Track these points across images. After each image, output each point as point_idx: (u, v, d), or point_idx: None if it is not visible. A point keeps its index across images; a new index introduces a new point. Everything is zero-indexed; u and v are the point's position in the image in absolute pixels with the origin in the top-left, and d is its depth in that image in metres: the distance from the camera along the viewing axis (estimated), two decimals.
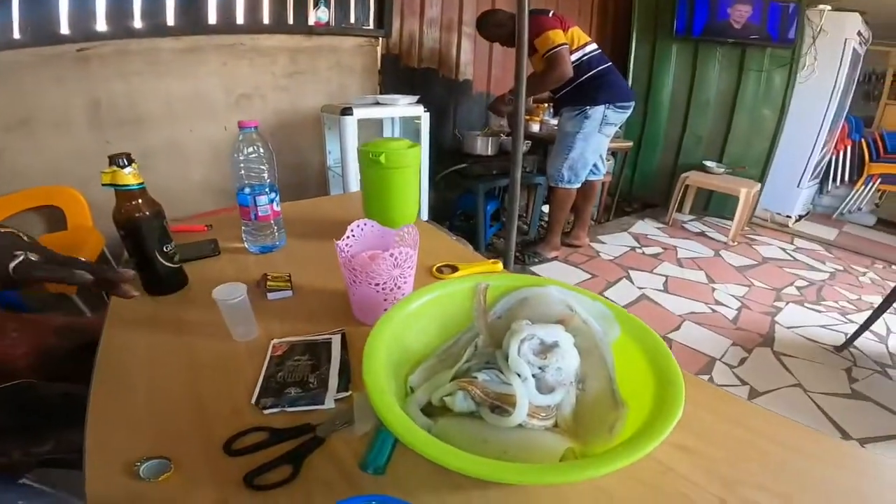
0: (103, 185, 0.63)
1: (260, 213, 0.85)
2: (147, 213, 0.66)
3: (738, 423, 0.51)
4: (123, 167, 0.62)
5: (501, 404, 0.42)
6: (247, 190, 0.84)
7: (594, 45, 2.19)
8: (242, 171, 0.82)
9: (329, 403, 0.51)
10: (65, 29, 1.62)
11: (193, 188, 2.07)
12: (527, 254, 2.60)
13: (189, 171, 2.06)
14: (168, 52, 1.83)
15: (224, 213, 1.19)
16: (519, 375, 0.43)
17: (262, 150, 0.82)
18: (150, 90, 1.84)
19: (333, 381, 0.54)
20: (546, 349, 0.45)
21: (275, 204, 0.87)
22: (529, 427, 0.42)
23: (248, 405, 0.51)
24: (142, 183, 0.64)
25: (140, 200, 0.65)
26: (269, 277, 0.75)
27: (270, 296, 0.73)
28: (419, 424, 0.41)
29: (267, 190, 0.85)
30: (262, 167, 0.84)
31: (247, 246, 0.90)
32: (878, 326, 2.08)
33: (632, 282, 2.49)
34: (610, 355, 0.47)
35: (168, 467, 0.42)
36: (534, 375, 0.44)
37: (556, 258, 2.65)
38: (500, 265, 0.87)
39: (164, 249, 0.70)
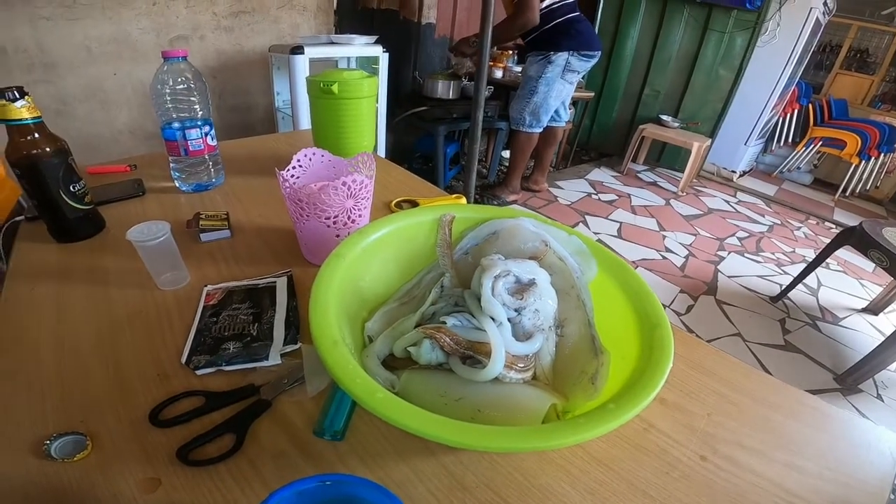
0: None
1: (191, 148, 0.75)
2: (47, 149, 0.58)
3: (712, 373, 0.50)
4: (14, 101, 0.55)
5: (474, 354, 0.37)
6: (175, 124, 0.75)
7: None
8: (169, 105, 0.74)
9: (275, 359, 0.44)
10: None
11: (121, 134, 1.95)
12: (486, 196, 2.61)
13: (114, 116, 1.91)
14: None
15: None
16: (493, 319, 0.38)
17: (193, 82, 0.74)
18: (64, 35, 1.64)
19: (279, 332, 0.48)
20: (522, 288, 0.39)
21: (209, 138, 0.77)
22: (507, 380, 0.37)
23: (178, 366, 0.44)
24: (38, 117, 0.57)
25: (37, 135, 0.58)
26: (202, 216, 0.67)
27: (204, 237, 0.65)
28: (380, 380, 0.36)
29: (199, 124, 0.76)
30: (193, 99, 0.75)
31: (178, 185, 0.80)
32: (809, 280, 2.24)
33: (588, 227, 2.56)
34: (588, 296, 0.42)
35: (84, 444, 0.36)
36: (509, 319, 0.39)
37: (515, 202, 2.68)
38: (463, 200, 0.81)
39: (72, 189, 0.62)
